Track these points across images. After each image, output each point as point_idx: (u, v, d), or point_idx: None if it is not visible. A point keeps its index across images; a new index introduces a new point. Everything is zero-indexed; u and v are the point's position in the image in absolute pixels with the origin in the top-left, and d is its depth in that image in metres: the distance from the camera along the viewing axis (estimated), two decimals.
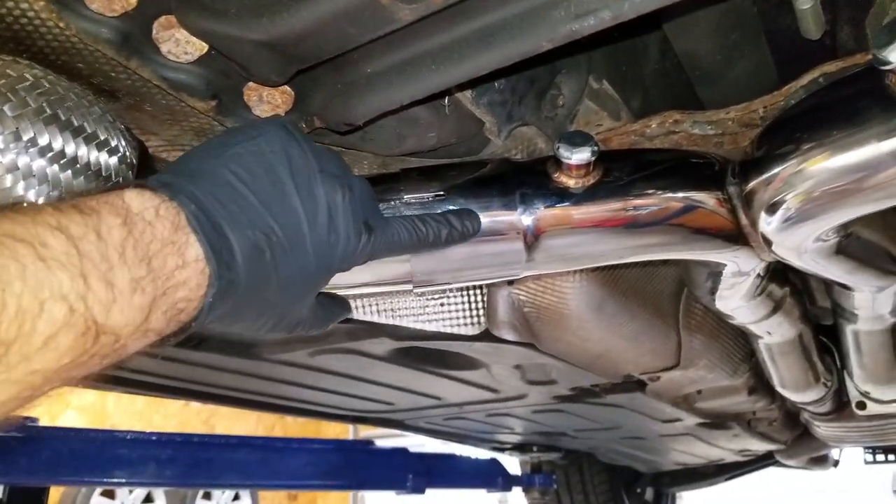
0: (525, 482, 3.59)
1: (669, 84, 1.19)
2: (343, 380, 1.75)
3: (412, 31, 0.61)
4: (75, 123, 0.65)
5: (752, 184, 0.82)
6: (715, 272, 1.12)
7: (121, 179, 0.69)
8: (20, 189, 0.61)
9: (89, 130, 0.66)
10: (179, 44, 0.67)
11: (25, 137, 0.61)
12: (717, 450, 2.98)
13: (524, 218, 0.87)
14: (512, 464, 3.65)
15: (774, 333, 1.48)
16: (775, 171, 0.79)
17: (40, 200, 0.62)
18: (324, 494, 7.90)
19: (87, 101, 0.69)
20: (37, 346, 0.45)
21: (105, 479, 2.35)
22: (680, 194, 0.87)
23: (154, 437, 2.43)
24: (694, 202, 0.87)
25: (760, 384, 1.99)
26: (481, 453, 3.51)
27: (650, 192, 0.89)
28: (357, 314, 1.27)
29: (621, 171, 0.88)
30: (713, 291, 1.19)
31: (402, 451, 3.18)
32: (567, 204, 0.87)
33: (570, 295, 1.30)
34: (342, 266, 0.71)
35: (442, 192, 0.87)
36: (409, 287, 0.91)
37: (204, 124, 0.85)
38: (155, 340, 0.56)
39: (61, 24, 0.66)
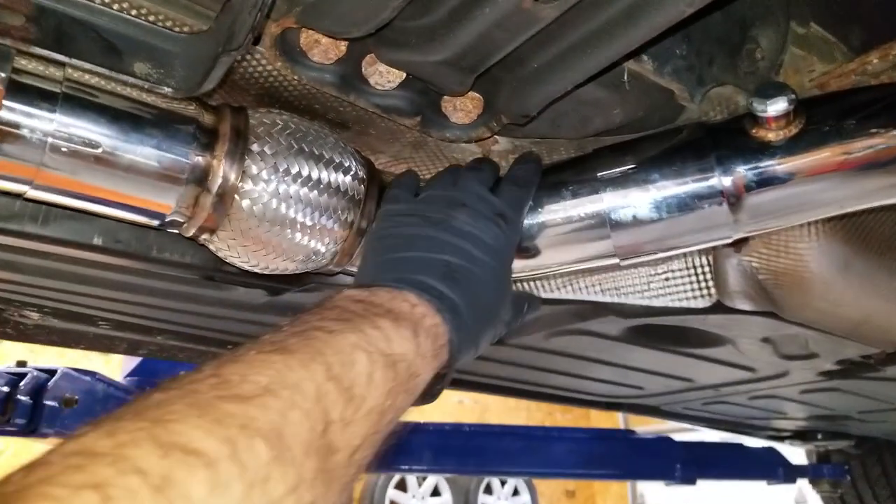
0: (811, 473, 3.26)
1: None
2: (583, 363, 1.81)
3: (560, 23, 0.67)
4: (317, 153, 0.83)
5: None
6: None
7: (355, 194, 0.85)
8: (284, 209, 0.80)
9: (327, 157, 0.84)
10: (383, 75, 0.81)
11: (282, 169, 0.80)
12: None
13: (723, 179, 0.87)
14: (796, 455, 3.35)
15: None
16: None
17: (302, 216, 0.80)
18: (602, 491, 7.90)
19: (323, 133, 0.86)
20: (363, 384, 0.57)
21: (393, 466, 2.71)
22: None
23: (430, 427, 2.74)
24: None
25: None
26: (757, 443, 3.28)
27: (868, 132, 0.82)
28: (581, 294, 1.33)
29: (826, 115, 0.83)
30: None
31: (666, 440, 3.11)
32: (768, 158, 0.85)
33: (807, 256, 1.21)
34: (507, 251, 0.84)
35: (634, 166, 0.91)
36: (615, 261, 0.96)
37: (419, 138, 0.99)
38: (436, 365, 0.70)
39: (295, 77, 0.84)
